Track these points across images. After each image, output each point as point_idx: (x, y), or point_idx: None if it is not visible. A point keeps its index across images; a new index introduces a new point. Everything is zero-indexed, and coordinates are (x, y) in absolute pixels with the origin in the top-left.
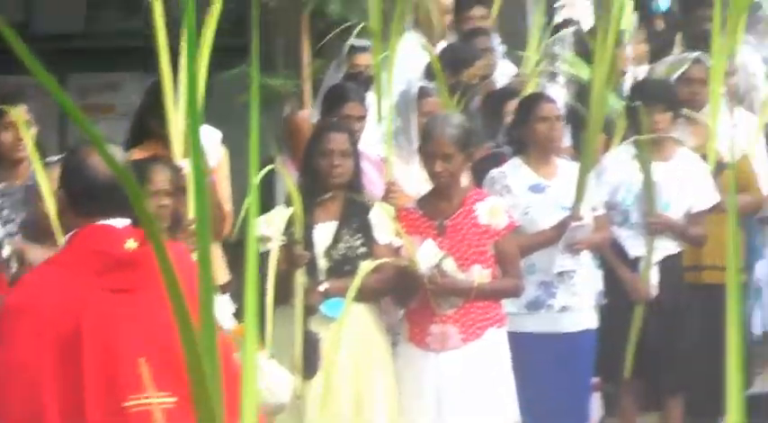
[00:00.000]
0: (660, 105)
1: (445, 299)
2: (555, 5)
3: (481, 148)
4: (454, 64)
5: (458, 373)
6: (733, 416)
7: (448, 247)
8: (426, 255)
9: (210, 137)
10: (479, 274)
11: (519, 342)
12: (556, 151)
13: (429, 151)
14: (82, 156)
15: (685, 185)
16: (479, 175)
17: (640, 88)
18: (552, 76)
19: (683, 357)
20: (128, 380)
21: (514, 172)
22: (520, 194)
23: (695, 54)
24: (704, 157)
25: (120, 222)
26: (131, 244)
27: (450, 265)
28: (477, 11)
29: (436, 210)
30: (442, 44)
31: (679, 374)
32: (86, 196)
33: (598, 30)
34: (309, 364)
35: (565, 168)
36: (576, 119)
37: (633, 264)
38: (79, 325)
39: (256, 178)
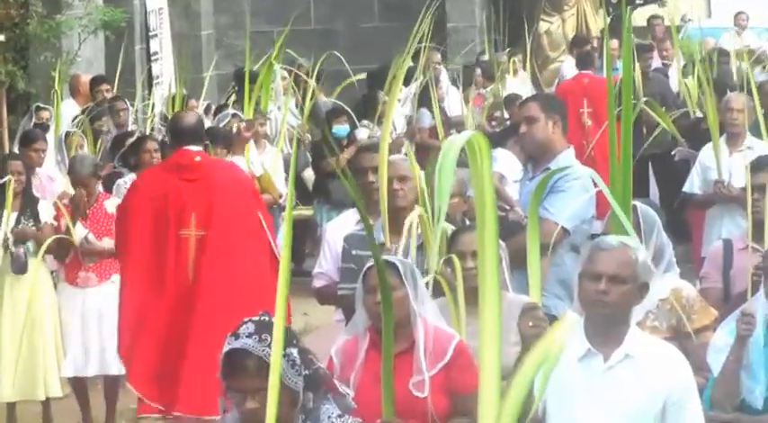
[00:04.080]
0: None
1: (89, 256)
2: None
3: (107, 167)
4: (93, 118)
5: (96, 302)
6: (275, 358)
7: (89, 226)
8: (79, 231)
9: None
10: (108, 242)
11: None
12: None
13: (74, 178)
14: (175, 118)
15: None
16: (109, 184)
17: None
18: (152, 128)
19: None
20: (183, 221)
21: (131, 180)
22: None
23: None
24: None
25: (195, 148)
26: (197, 158)
27: (92, 237)
28: (105, 87)
29: (83, 205)
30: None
31: None
32: (176, 136)
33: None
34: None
35: None
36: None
37: None
38: (167, 195)
39: None
